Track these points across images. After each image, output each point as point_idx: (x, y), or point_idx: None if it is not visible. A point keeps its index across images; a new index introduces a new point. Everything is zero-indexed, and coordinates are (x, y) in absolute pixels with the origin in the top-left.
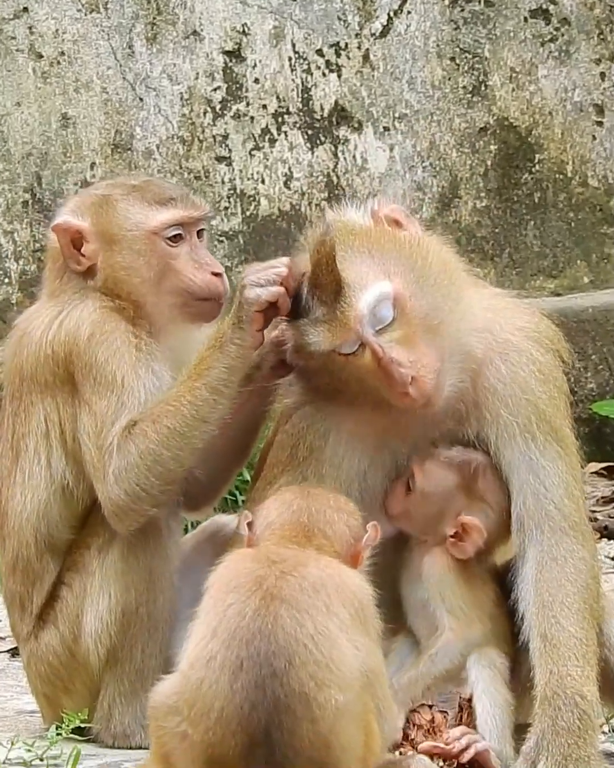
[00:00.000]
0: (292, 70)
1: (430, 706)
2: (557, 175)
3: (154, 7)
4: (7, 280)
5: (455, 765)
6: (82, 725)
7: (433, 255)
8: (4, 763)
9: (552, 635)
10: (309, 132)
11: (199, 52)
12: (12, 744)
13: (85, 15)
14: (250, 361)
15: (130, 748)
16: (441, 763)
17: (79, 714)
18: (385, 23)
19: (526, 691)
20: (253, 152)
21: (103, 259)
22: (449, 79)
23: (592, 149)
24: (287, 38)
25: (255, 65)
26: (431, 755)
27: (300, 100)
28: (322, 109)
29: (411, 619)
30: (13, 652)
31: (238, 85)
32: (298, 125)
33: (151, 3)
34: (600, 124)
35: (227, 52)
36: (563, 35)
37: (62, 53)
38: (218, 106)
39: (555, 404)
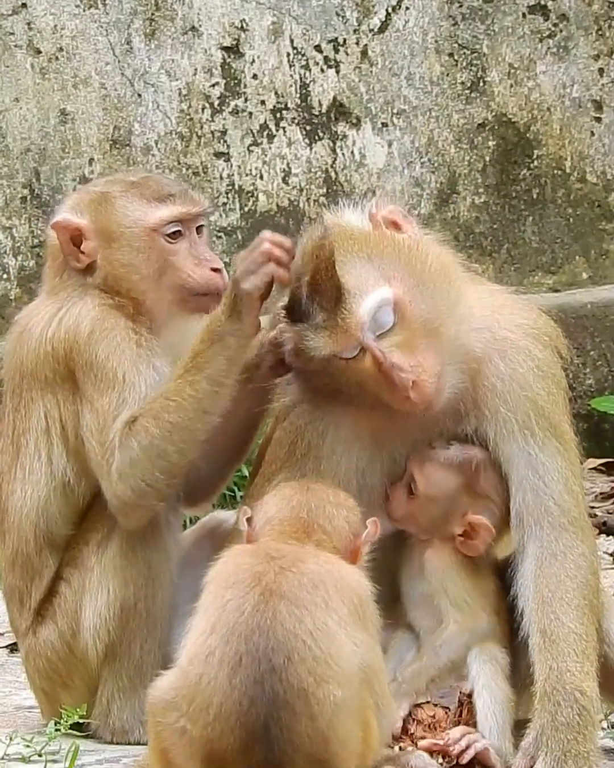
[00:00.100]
0: (291, 66)
1: (434, 704)
2: (555, 171)
3: (153, 2)
4: (5, 276)
5: (454, 763)
6: (81, 721)
7: (432, 257)
8: (2, 758)
9: (551, 631)
10: (308, 128)
11: (197, 48)
12: (10, 739)
13: (84, 11)
14: (249, 349)
15: (129, 743)
16: (440, 760)
17: (78, 709)
18: (383, 19)
19: (526, 687)
20: (251, 148)
21: (103, 256)
22: (447, 74)
23: (591, 145)
24: (285, 34)
25: (253, 61)
26: (431, 752)
27: (298, 95)
28: (321, 104)
29: (411, 614)
30: (12, 648)
31: (236, 81)
32: (296, 121)
33: None
34: (598, 120)
35: (225, 48)
36: (561, 31)
37: (61, 49)
38: (216, 102)
39: (554, 400)
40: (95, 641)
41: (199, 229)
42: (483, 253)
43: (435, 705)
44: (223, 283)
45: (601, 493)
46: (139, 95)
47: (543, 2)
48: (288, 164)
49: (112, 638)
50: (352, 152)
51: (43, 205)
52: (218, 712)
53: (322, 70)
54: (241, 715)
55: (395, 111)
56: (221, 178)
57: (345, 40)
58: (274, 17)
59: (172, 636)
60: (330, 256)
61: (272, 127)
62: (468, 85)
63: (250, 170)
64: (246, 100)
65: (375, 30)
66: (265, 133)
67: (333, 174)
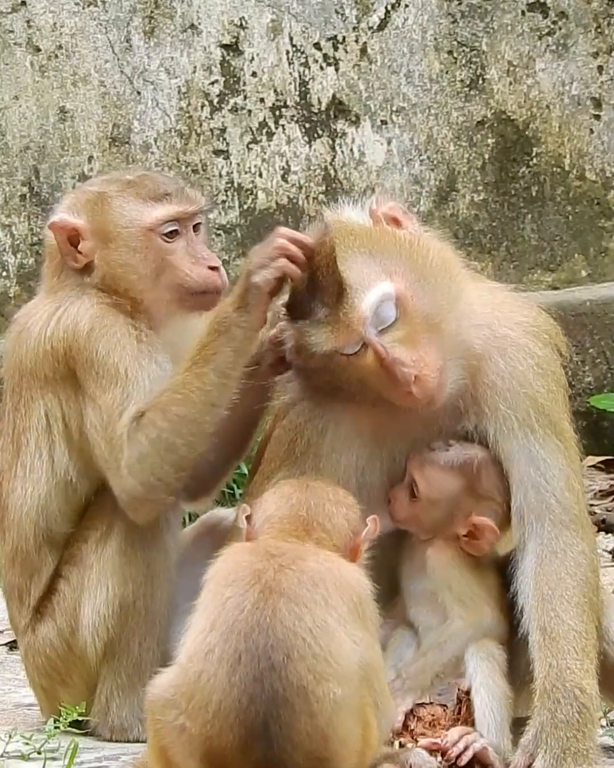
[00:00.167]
0: (290, 64)
1: (433, 703)
2: (555, 169)
3: (152, 0)
4: (4, 274)
5: (453, 762)
6: (80, 718)
7: (433, 253)
8: (2, 755)
9: (551, 628)
10: (307, 125)
11: (196, 46)
12: (10, 737)
13: (83, 9)
14: (256, 342)
15: (128, 741)
16: (439, 758)
17: (77, 707)
18: (383, 17)
19: (525, 684)
20: (250, 146)
21: (100, 256)
22: (446, 72)
23: (590, 143)
24: (285, 32)
25: (252, 59)
26: (430, 751)
27: (297, 93)
28: (320, 102)
29: (411, 611)
30: (11, 645)
31: (235, 79)
32: (295, 119)
33: None
34: (597, 117)
35: (225, 46)
36: (561, 29)
37: (60, 47)
38: (216, 100)
39: (554, 398)
40: (94, 639)
41: (196, 226)
42: (482, 250)
43: (435, 703)
44: (222, 282)
45: (600, 491)
46: (139, 93)
47: (542, 0)
48: (287, 162)
49: (110, 636)
50: (351, 150)
51: (42, 203)
52: (217, 709)
53: (322, 68)
54: (240, 713)
55: (394, 109)
56: (220, 175)
57: (344, 37)
58: (274, 15)
59: (171, 634)
60: (331, 251)
61: (271, 124)
62: (468, 82)
63: (250, 168)
64: (245, 97)
65: (375, 28)
66: (265, 131)
67: (332, 172)
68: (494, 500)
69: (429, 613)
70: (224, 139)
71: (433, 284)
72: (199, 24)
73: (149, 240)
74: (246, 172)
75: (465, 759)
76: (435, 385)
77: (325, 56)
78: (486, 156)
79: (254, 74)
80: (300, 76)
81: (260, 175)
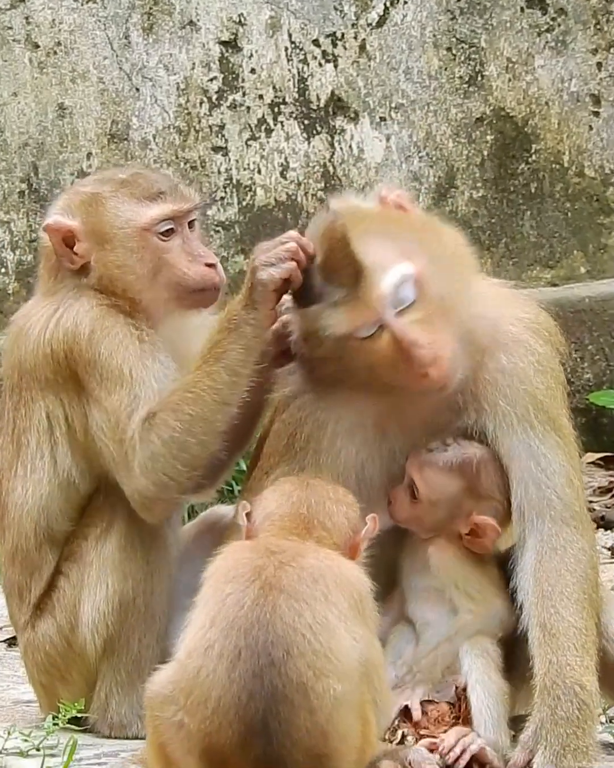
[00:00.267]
0: (289, 60)
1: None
2: (553, 166)
3: None
4: (3, 270)
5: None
6: (79, 715)
7: (447, 238)
8: (1, 752)
9: (551, 625)
10: (306, 122)
11: (195, 43)
12: (9, 733)
13: (82, 5)
14: (265, 339)
15: (127, 738)
16: (438, 757)
17: (76, 704)
18: (382, 13)
19: (525, 681)
20: (249, 142)
21: (97, 257)
22: (445, 69)
23: (589, 139)
24: (283, 28)
25: (251, 55)
26: (430, 749)
27: (296, 90)
28: (319, 99)
29: (411, 607)
30: (10, 642)
31: (234, 76)
32: (294, 115)
33: None
34: (596, 114)
35: (223, 43)
36: (559, 25)
37: (59, 43)
38: (214, 97)
39: (553, 395)
40: (94, 636)
41: (191, 223)
42: (481, 247)
43: (442, 702)
44: (219, 278)
45: (599, 488)
46: (137, 89)
47: None
48: (286, 158)
49: (110, 633)
50: (350, 146)
51: (41, 200)
52: (216, 705)
53: (320, 65)
54: (239, 709)
55: (393, 105)
56: (219, 172)
57: (343, 34)
58: (272, 12)
59: (170, 631)
60: (343, 234)
61: (270, 121)
62: (467, 79)
63: (248, 164)
64: (244, 94)
65: (374, 24)
66: (263, 128)
67: (331, 168)
68: (494, 499)
69: (429, 609)
70: (223, 135)
71: (448, 269)
72: (198, 21)
73: (145, 240)
74: (245, 169)
75: (461, 763)
76: (450, 368)
77: (324, 53)
78: (485, 153)
79: (253, 71)
80: (299, 73)
81: (259, 171)
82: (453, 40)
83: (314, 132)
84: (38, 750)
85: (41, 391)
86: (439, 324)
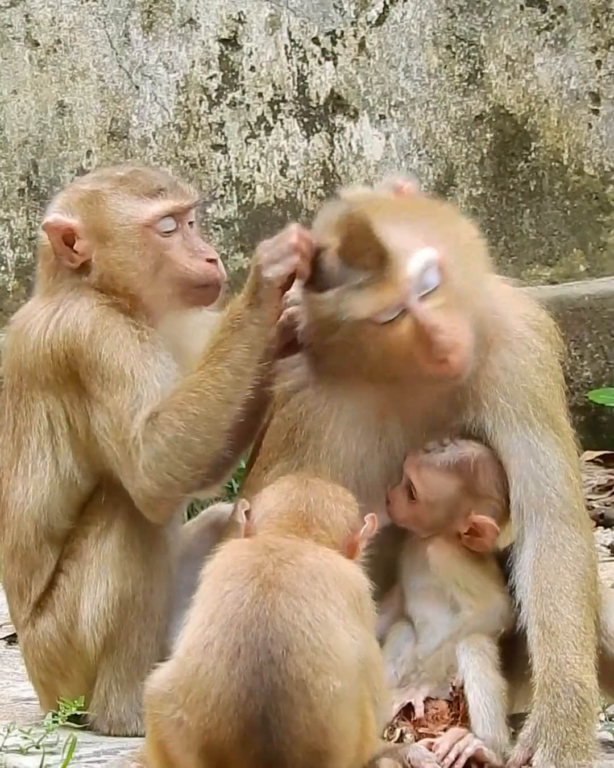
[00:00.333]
0: (288, 58)
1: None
2: (553, 164)
3: None
4: (3, 268)
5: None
6: (79, 713)
7: (463, 228)
8: (0, 749)
9: (550, 623)
10: (305, 120)
11: (195, 40)
12: (8, 731)
13: (82, 3)
14: (269, 337)
15: (126, 735)
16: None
17: (76, 701)
18: (381, 11)
19: (524, 679)
20: (248, 140)
21: (97, 255)
22: (445, 67)
23: (588, 137)
24: (283, 26)
25: (251, 53)
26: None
27: (296, 88)
28: (318, 97)
29: (410, 605)
30: (10, 640)
31: (233, 73)
32: (293, 113)
33: None
34: (596, 112)
35: (223, 40)
36: (559, 23)
37: (58, 41)
38: (214, 94)
39: (551, 393)
40: (93, 633)
41: (190, 220)
42: None
43: (441, 699)
44: (220, 274)
45: (598, 485)
46: (137, 87)
47: None
48: (285, 156)
49: (110, 630)
50: (350, 144)
51: (40, 198)
52: (216, 702)
53: (320, 63)
54: (239, 706)
55: (393, 103)
56: (218, 170)
57: (342, 32)
58: (272, 9)
59: (170, 628)
60: (365, 218)
61: (270, 119)
62: (466, 77)
63: (248, 162)
64: (243, 92)
65: (373, 22)
66: (263, 126)
67: (330, 166)
68: (492, 498)
69: (428, 608)
70: (222, 133)
71: (466, 258)
72: (198, 18)
73: (147, 236)
74: (244, 167)
75: (458, 766)
76: (467, 357)
77: (324, 51)
78: (485, 150)
79: (252, 69)
80: (298, 71)
81: (258, 169)
82: (453, 38)
83: (314, 130)
84: (38, 747)
85: (42, 391)
86: (458, 312)
